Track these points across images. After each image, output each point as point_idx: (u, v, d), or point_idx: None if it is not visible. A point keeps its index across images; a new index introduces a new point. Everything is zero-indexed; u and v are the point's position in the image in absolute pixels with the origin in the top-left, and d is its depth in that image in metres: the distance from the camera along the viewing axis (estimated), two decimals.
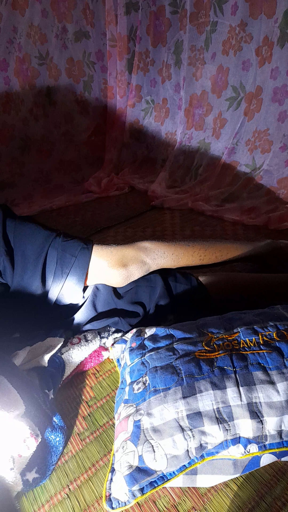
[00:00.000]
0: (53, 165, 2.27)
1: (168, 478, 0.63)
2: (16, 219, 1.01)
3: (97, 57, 2.27)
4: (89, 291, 1.03)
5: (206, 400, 0.66)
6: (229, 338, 0.77)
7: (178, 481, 0.66)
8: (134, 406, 0.72)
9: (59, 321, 1.02)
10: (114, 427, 0.76)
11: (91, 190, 2.12)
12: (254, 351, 0.72)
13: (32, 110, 2.12)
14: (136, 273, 1.01)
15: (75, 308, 1.03)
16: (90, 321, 1.03)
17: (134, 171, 2.28)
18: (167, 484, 0.64)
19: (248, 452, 0.64)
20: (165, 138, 2.22)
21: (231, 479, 0.67)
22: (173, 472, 0.63)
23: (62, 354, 0.90)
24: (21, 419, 0.67)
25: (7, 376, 0.74)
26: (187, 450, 0.64)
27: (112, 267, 0.98)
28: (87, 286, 1.03)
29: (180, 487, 0.67)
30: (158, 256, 1.03)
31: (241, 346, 0.74)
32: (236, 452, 0.64)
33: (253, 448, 0.64)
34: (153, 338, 0.87)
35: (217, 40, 1.76)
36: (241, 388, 0.66)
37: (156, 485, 0.62)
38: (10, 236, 0.97)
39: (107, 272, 0.99)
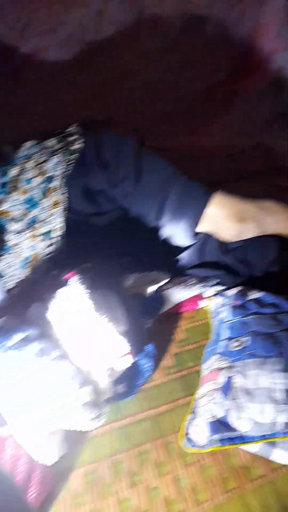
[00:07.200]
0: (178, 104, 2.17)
1: (247, 441, 0.63)
2: (146, 148, 1.00)
3: None
4: (199, 237, 1.01)
5: None
6: None
7: (255, 447, 0.65)
8: (228, 362, 0.71)
9: (164, 258, 1.03)
10: (199, 373, 0.77)
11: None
12: None
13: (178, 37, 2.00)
14: (250, 232, 0.95)
15: (181, 250, 1.02)
16: (194, 267, 1.02)
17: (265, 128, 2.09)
18: (244, 446, 0.64)
19: None
20: None
21: None
22: (253, 437, 0.63)
23: (163, 290, 0.91)
24: (124, 336, 0.71)
25: (116, 295, 0.78)
26: (274, 423, 0.62)
27: (227, 219, 0.94)
28: (198, 232, 1.00)
29: (255, 453, 0.67)
30: (280, 221, 0.96)
31: None
32: None
33: None
34: (258, 302, 0.84)
35: None
36: None
37: (234, 443, 0.63)
38: (140, 163, 0.96)
39: (221, 223, 0.95)
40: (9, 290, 0.84)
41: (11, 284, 0.84)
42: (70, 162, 0.89)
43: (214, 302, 0.92)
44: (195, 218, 0.95)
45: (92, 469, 0.64)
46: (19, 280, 0.85)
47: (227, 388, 0.66)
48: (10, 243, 0.83)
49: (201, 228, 0.97)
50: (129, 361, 0.69)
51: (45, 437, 0.60)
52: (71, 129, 0.94)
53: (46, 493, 0.59)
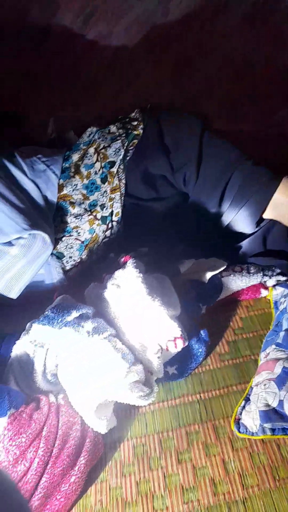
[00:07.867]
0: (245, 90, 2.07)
1: None
2: (211, 132, 0.98)
3: None
4: (262, 225, 0.97)
5: None
6: None
7: None
8: (286, 353, 0.69)
9: (225, 245, 1.01)
10: (255, 362, 0.76)
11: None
12: None
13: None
14: None
15: (244, 237, 0.99)
16: (256, 255, 0.98)
17: None
18: None
19: None
20: None
21: None
22: None
23: (222, 277, 0.90)
24: (175, 320, 0.71)
25: (172, 280, 0.79)
26: None
27: None
28: (263, 219, 0.96)
29: None
30: None
31: None
32: None
33: None
34: None
35: None
36: None
37: (287, 433, 0.61)
38: (204, 148, 0.95)
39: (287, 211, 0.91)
40: (67, 271, 0.89)
41: (69, 265, 0.89)
42: (130, 148, 0.91)
43: (276, 292, 0.89)
44: (260, 205, 0.91)
45: (141, 442, 0.66)
46: (77, 261, 0.90)
47: (282, 379, 0.64)
48: (70, 226, 0.88)
49: (266, 215, 0.94)
50: (180, 345, 0.69)
51: (98, 409, 0.64)
52: (132, 114, 0.95)
53: (96, 460, 0.63)
